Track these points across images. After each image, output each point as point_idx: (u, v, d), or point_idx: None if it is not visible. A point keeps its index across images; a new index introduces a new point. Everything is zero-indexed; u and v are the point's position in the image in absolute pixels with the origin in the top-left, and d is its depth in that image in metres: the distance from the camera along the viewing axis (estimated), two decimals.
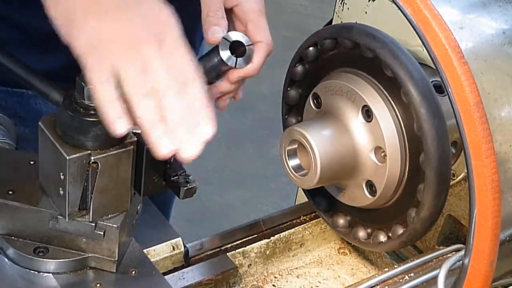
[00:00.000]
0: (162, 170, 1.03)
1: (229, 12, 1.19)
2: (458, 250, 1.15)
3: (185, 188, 1.02)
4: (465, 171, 0.92)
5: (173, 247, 1.15)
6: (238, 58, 1.13)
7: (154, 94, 0.88)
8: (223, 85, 1.18)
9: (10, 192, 1.03)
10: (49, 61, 1.17)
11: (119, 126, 0.90)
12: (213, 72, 1.16)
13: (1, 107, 1.24)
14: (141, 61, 0.88)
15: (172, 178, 1.03)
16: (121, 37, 0.89)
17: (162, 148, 0.89)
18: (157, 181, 1.04)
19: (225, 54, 1.12)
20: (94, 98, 0.90)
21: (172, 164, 1.03)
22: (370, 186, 1.12)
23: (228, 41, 1.13)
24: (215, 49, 1.13)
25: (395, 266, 1.16)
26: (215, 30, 1.13)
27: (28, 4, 1.03)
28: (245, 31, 1.17)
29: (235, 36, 1.13)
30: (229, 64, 1.13)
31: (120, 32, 0.89)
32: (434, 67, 0.85)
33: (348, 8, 1.28)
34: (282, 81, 1.23)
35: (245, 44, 1.13)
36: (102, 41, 0.89)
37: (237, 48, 1.13)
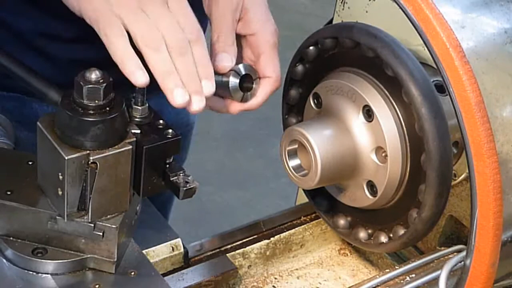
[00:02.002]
0: (162, 170, 1.02)
1: (241, 38, 1.17)
2: (459, 251, 1.14)
3: (185, 188, 1.01)
4: (467, 171, 0.91)
5: (172, 248, 1.15)
6: (244, 94, 1.13)
7: (165, 50, 0.95)
8: (223, 110, 1.17)
9: (9, 193, 1.03)
10: (44, 66, 1.17)
11: (139, 76, 0.95)
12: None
13: None
14: (150, 19, 0.95)
15: (172, 179, 1.02)
16: None
17: (177, 97, 0.97)
18: (156, 182, 1.03)
19: (233, 88, 1.11)
20: (112, 54, 0.95)
21: (171, 164, 1.03)
22: (371, 186, 1.11)
23: (239, 74, 1.11)
24: (224, 79, 1.12)
25: (396, 267, 1.16)
26: (223, 57, 1.11)
27: (22, 7, 1.03)
28: (256, 63, 1.15)
29: (245, 69, 1.12)
30: (234, 97, 1.12)
31: None
32: (435, 67, 0.85)
33: (348, 7, 1.27)
34: (282, 81, 1.23)
35: (253, 79, 1.13)
36: (111, 4, 0.95)
37: (245, 82, 1.12)
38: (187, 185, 1.01)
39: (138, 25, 0.95)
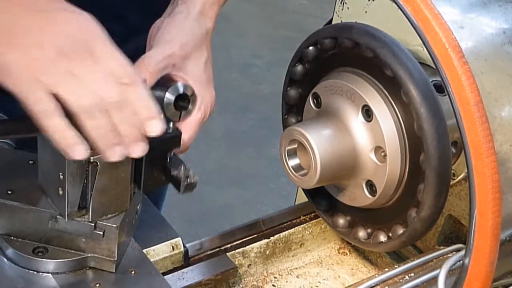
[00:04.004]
0: (162, 165, 1.02)
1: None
2: (458, 250, 1.15)
3: (185, 183, 1.01)
4: (466, 171, 0.92)
5: (172, 247, 1.15)
6: (180, 112, 1.08)
7: (101, 112, 0.89)
8: None
9: (10, 192, 1.03)
10: None
11: (77, 152, 0.91)
12: None
13: None
14: (80, 81, 0.88)
15: (172, 173, 1.02)
16: (47, 60, 0.88)
17: (113, 157, 0.93)
18: (157, 176, 1.03)
19: (167, 103, 1.06)
20: (46, 131, 0.90)
21: (172, 159, 1.02)
22: (370, 186, 1.12)
23: (176, 91, 1.07)
24: (159, 93, 1.08)
25: (395, 266, 1.16)
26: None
27: None
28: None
29: (183, 88, 1.07)
30: (167, 114, 1.07)
31: (44, 55, 0.88)
32: (434, 67, 0.85)
33: (348, 8, 1.27)
34: (282, 81, 1.23)
35: (190, 101, 1.08)
36: (29, 72, 0.88)
37: (180, 101, 1.08)
38: (188, 180, 1.00)
39: (70, 92, 0.88)
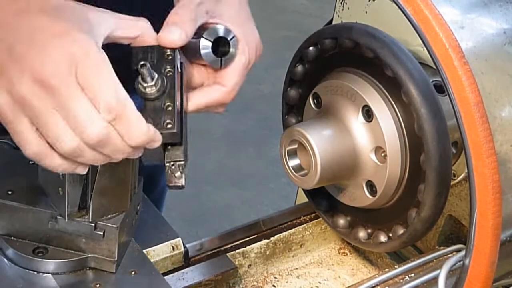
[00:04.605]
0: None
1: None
2: (458, 251, 1.15)
3: (170, 179, 0.96)
4: (466, 171, 0.92)
5: (172, 247, 1.15)
6: (221, 59, 0.98)
7: (86, 148, 0.85)
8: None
9: (10, 192, 1.03)
10: None
11: (80, 171, 0.90)
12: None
13: None
14: (56, 116, 0.83)
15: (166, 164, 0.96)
16: (26, 94, 0.82)
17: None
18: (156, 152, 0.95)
19: (206, 53, 0.96)
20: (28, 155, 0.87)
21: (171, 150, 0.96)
22: (371, 186, 1.12)
23: (212, 36, 0.97)
24: (196, 43, 0.97)
25: (396, 266, 1.16)
26: (171, 30, 0.93)
27: None
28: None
29: (220, 31, 0.97)
30: (207, 61, 0.97)
31: (22, 88, 0.82)
32: (435, 67, 0.85)
33: (348, 8, 1.27)
34: (282, 81, 1.23)
35: (230, 42, 0.97)
36: (12, 110, 0.83)
37: (220, 45, 0.97)
38: (174, 178, 0.95)
39: (52, 136, 0.83)
